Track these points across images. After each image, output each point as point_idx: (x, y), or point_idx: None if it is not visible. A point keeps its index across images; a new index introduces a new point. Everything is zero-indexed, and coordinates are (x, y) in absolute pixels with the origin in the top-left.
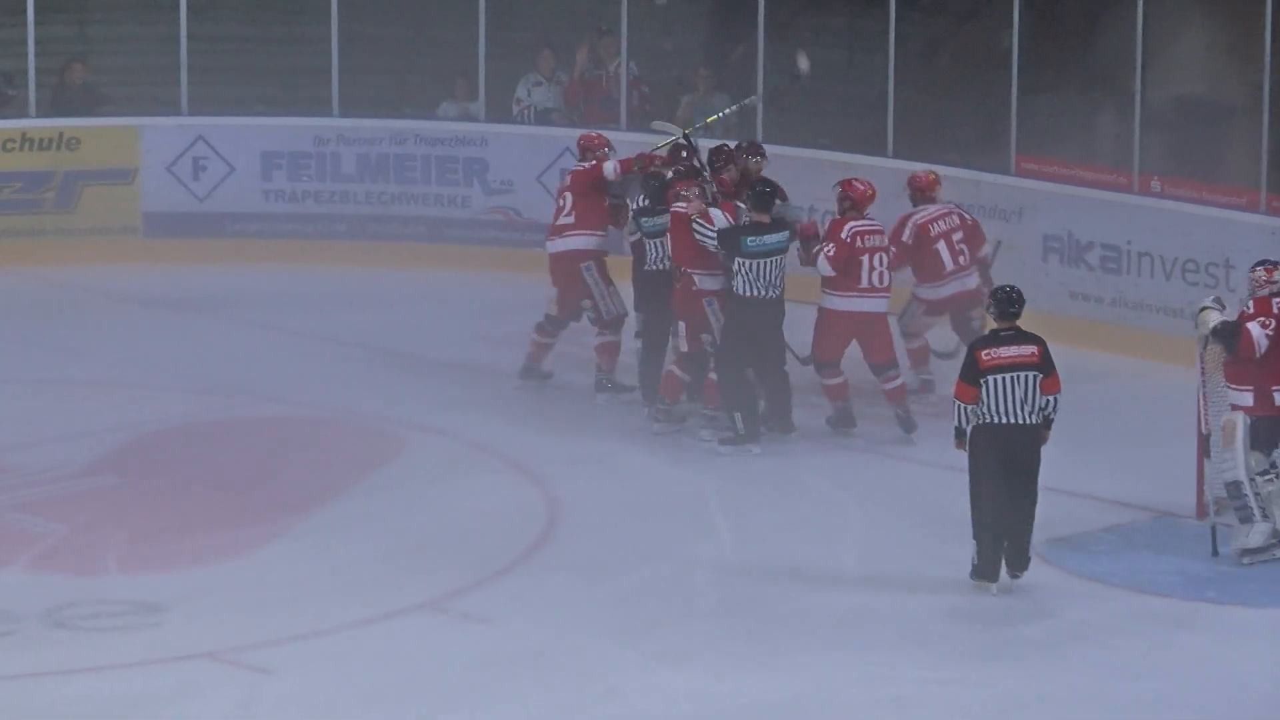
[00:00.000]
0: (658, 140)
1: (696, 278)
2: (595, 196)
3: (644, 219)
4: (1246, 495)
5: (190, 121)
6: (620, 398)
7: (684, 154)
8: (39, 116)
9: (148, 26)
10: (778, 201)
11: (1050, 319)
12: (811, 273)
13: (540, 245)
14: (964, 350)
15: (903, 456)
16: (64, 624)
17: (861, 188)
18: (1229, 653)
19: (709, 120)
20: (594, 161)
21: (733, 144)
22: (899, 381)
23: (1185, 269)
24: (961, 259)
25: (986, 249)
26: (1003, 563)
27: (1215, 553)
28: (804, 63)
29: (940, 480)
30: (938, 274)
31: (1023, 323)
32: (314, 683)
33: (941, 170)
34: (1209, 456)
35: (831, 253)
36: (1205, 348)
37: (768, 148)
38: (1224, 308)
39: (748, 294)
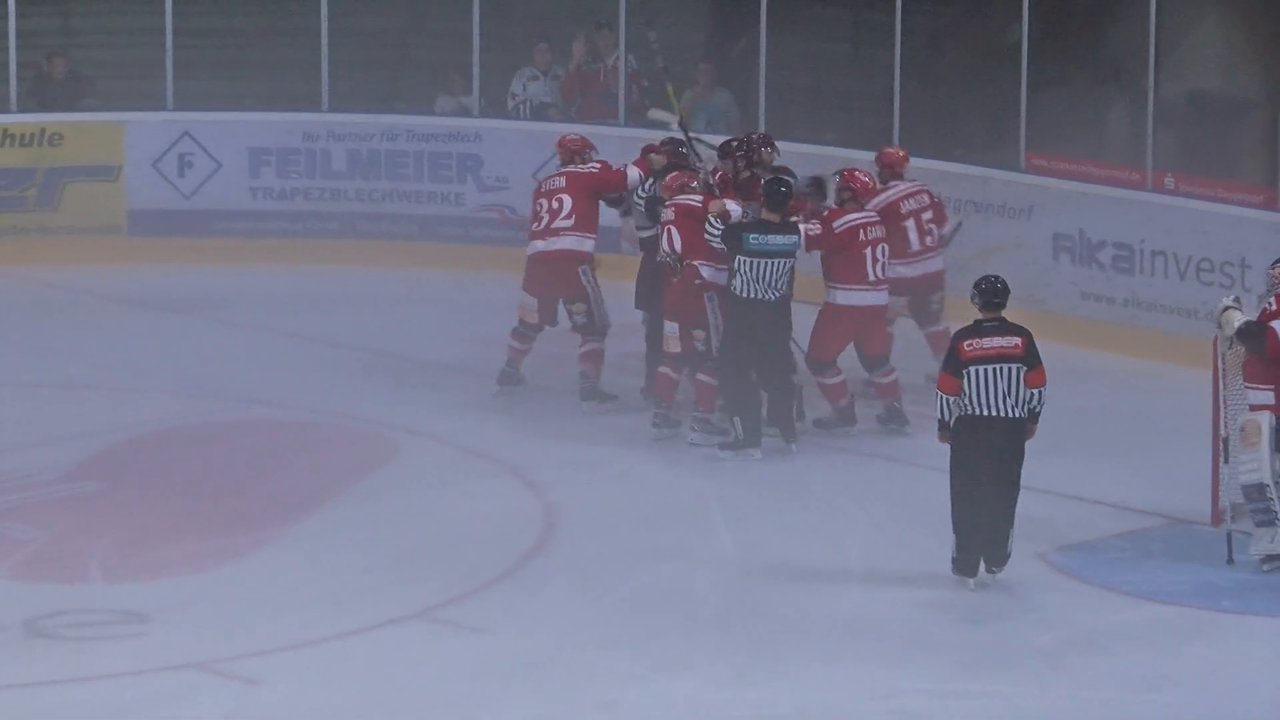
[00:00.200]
0: (666, 119)
1: (702, 269)
2: (594, 200)
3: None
4: (1272, 499)
5: (176, 117)
6: (604, 406)
7: (681, 147)
8: (20, 112)
9: (132, 19)
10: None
11: (1061, 320)
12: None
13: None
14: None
15: (907, 460)
16: (46, 633)
17: (865, 179)
18: (1245, 663)
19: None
20: (596, 166)
21: (736, 138)
22: (893, 376)
23: (1200, 268)
24: (929, 239)
25: (945, 229)
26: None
27: (1231, 560)
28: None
29: (946, 485)
30: (902, 253)
31: (1030, 322)
32: (304, 694)
33: (949, 167)
34: (1226, 460)
35: (814, 232)
36: (1229, 348)
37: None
38: (1242, 307)
39: (745, 294)
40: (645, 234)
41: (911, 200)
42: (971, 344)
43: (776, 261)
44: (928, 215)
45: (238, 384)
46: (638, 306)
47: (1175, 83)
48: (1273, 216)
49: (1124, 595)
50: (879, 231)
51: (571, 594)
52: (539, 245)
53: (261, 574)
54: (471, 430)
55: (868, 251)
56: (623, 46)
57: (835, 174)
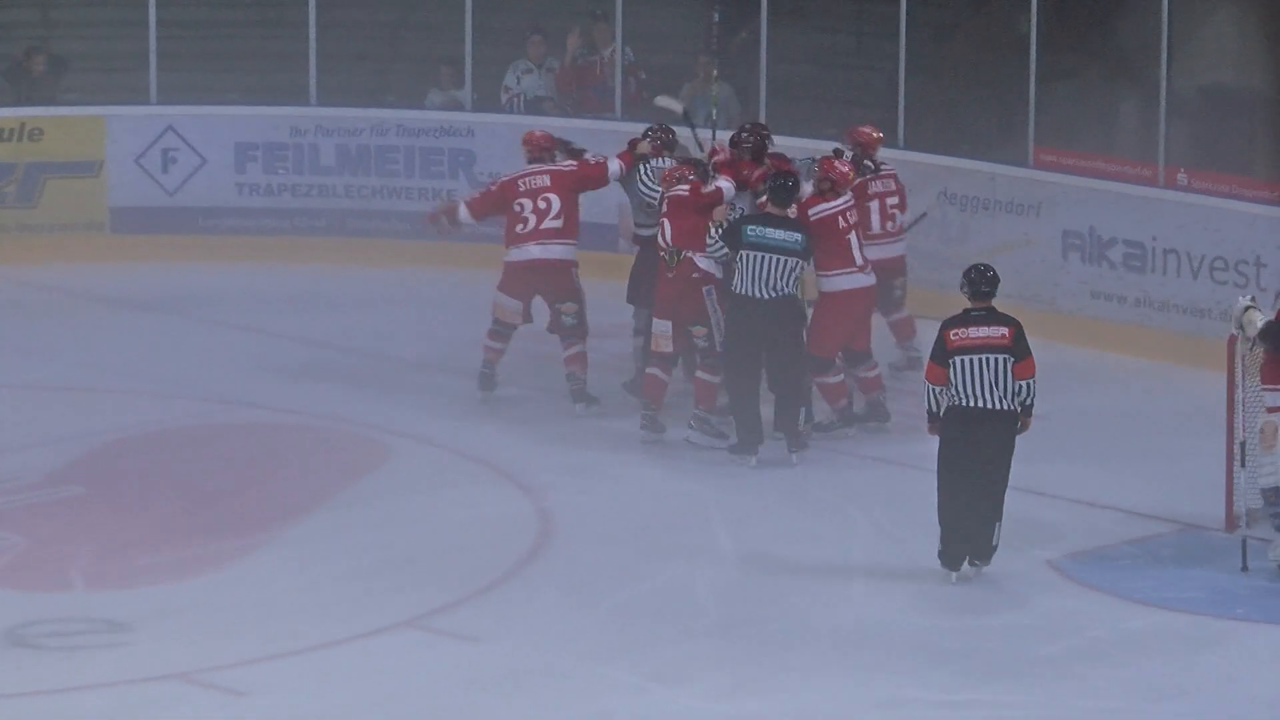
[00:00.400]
0: (672, 107)
1: (698, 261)
2: (576, 197)
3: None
4: None
5: (160, 111)
6: (593, 408)
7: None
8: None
9: (114, 10)
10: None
11: (1070, 320)
12: None
13: None
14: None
15: (910, 463)
16: (26, 643)
17: (844, 169)
18: (1259, 673)
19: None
20: (573, 163)
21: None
22: (876, 370)
23: (1213, 267)
24: (890, 225)
25: (907, 217)
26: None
27: (1245, 567)
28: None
29: None
30: (863, 232)
31: (1038, 321)
32: (291, 705)
33: (955, 163)
34: (1243, 464)
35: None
36: (1250, 349)
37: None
38: (1259, 307)
39: (743, 292)
40: (645, 232)
41: (879, 183)
42: (958, 333)
43: (777, 259)
44: (893, 200)
45: (224, 386)
46: (630, 300)
47: (1188, 76)
48: None
49: (1135, 603)
50: (856, 215)
51: (566, 601)
52: (533, 250)
53: (248, 581)
54: (464, 433)
55: (850, 236)
56: (619, 38)
57: (814, 162)
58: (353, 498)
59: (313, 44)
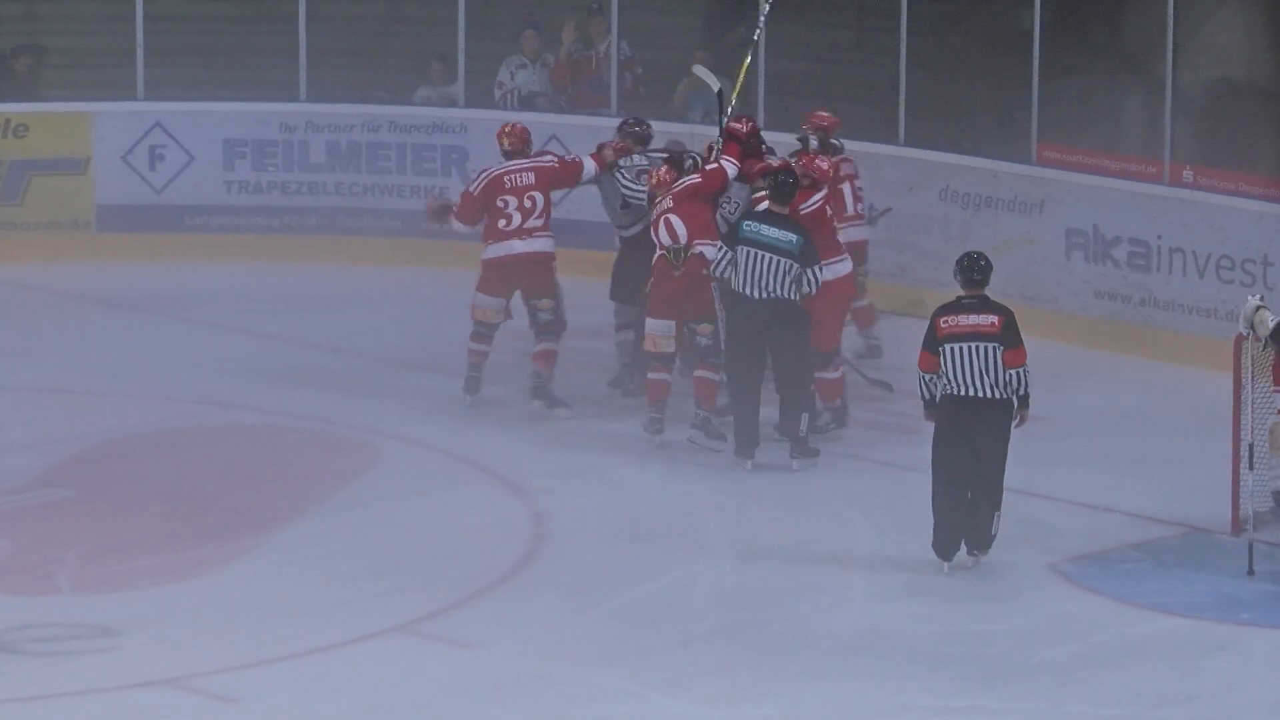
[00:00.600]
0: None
1: (706, 252)
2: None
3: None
4: None
5: (147, 107)
6: (555, 411)
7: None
8: None
9: (101, 4)
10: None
11: (1073, 319)
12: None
13: None
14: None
15: (911, 466)
16: (11, 648)
17: (824, 166)
18: (1266, 679)
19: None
20: (553, 159)
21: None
22: (840, 373)
23: (1220, 266)
24: (860, 206)
25: (872, 209)
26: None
27: (1251, 571)
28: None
29: None
30: (838, 215)
31: (1041, 321)
32: (281, 711)
33: (957, 160)
34: (1251, 467)
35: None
36: (1262, 350)
37: (770, 134)
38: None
39: (739, 290)
40: (626, 232)
41: (848, 165)
42: (948, 321)
43: (771, 258)
44: (859, 182)
45: (212, 387)
46: (612, 298)
47: (1194, 72)
48: None
49: (1139, 607)
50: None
51: (561, 607)
52: (516, 246)
53: (238, 586)
54: (457, 435)
55: (836, 225)
56: (615, 32)
57: (795, 158)
58: (343, 501)
59: (303, 39)
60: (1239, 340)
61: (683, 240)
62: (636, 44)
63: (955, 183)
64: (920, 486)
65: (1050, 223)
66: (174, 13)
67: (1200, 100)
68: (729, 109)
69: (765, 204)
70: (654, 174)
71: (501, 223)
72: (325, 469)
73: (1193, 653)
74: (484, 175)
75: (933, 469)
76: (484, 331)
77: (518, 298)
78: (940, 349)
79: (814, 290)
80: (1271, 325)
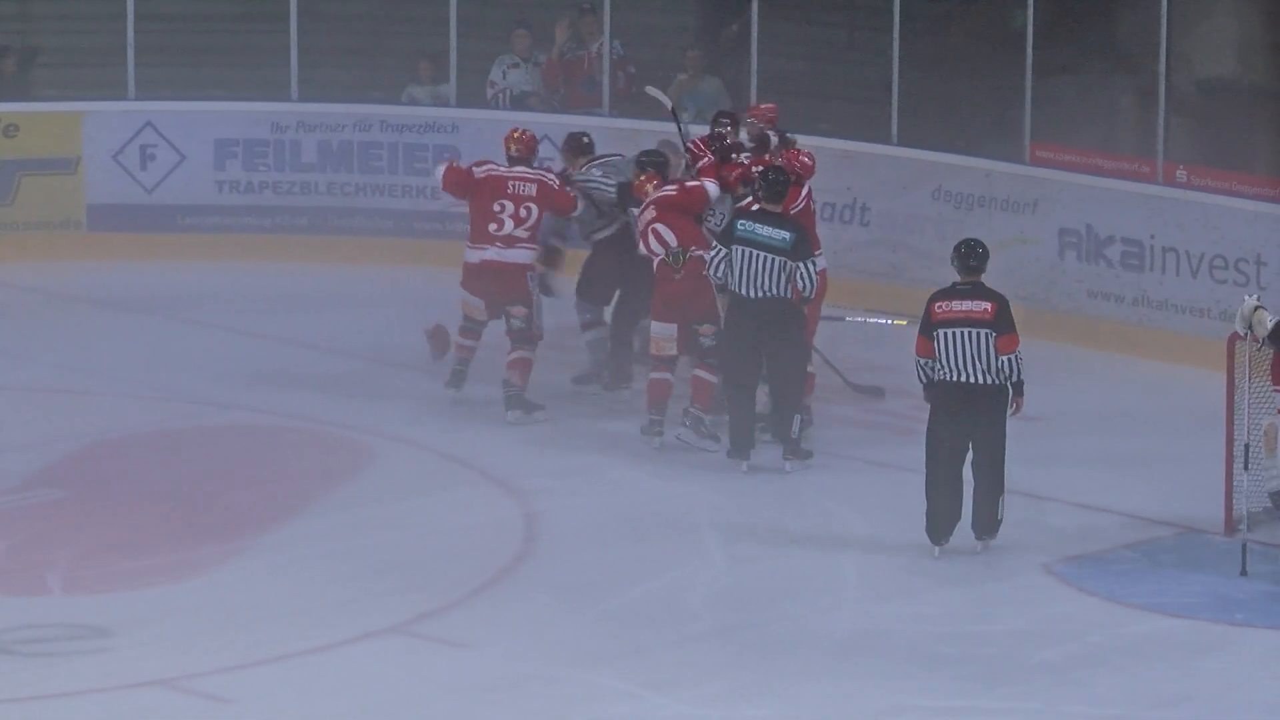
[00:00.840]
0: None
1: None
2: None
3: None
4: None
5: (138, 106)
6: (532, 415)
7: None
8: None
9: (92, 3)
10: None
11: (1067, 319)
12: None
13: None
14: None
15: (907, 467)
16: (6, 648)
17: (808, 161)
18: (1260, 679)
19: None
20: (555, 179)
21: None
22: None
23: (1213, 266)
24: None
25: None
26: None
27: (1245, 572)
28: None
29: None
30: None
31: (1034, 321)
32: (277, 711)
33: (950, 159)
34: (1247, 467)
35: None
36: (1259, 349)
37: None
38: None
39: (734, 290)
40: (599, 235)
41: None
42: (942, 306)
43: (765, 257)
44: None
45: (204, 388)
46: (579, 295)
47: (1188, 71)
48: None
49: (1134, 608)
50: None
51: (556, 608)
52: (490, 253)
53: (231, 587)
54: (451, 436)
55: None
56: (607, 31)
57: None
58: (339, 501)
59: (294, 38)
60: (1232, 340)
61: (674, 245)
62: (629, 43)
63: (948, 182)
64: (916, 487)
65: (1044, 222)
66: (165, 12)
67: (1194, 100)
68: (683, 127)
69: (757, 203)
70: (638, 178)
71: (492, 226)
72: (320, 469)
73: (1188, 653)
74: (487, 168)
75: (926, 453)
76: (471, 327)
77: None
78: (934, 334)
79: (810, 287)
80: (1270, 325)
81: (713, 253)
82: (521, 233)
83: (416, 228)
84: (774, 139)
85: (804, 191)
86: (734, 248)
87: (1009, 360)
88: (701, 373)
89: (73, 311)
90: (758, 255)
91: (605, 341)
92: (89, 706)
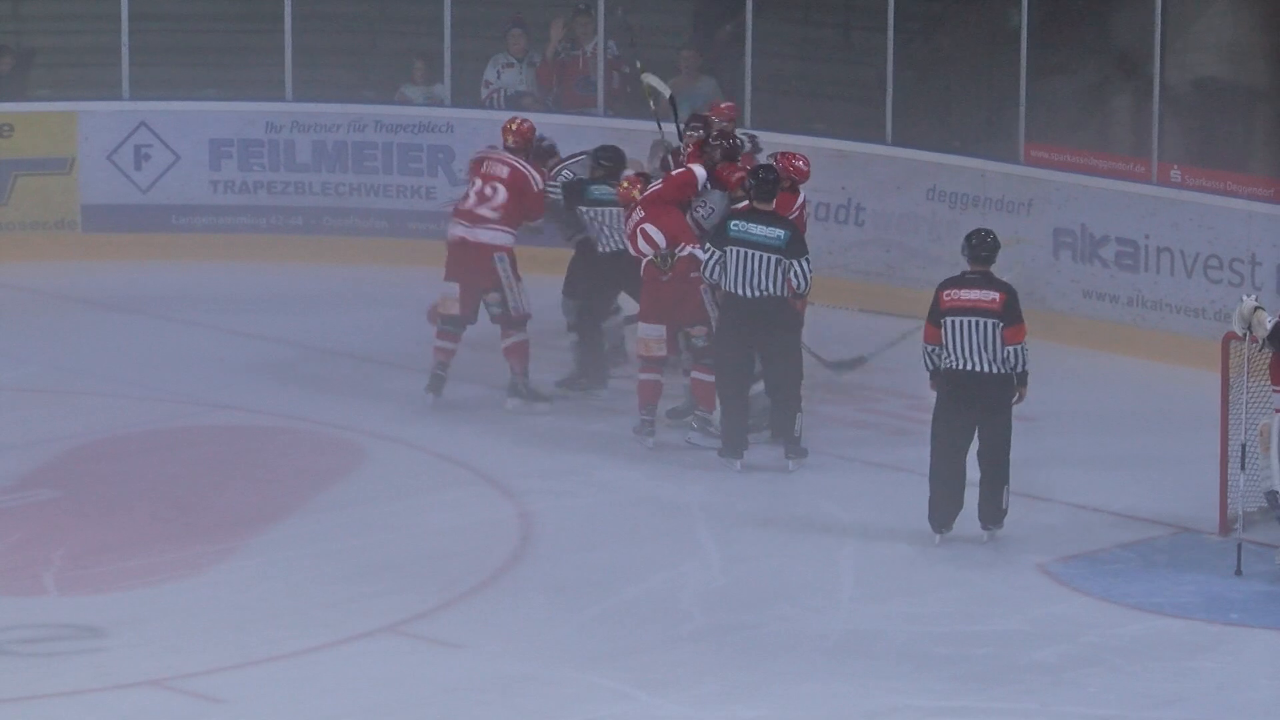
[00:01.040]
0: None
1: (697, 252)
2: (519, 201)
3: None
4: None
5: (132, 106)
6: (534, 406)
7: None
8: None
9: (86, 3)
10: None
11: (1062, 319)
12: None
13: None
14: None
15: (902, 467)
16: None
17: (803, 166)
18: (1254, 679)
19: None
20: (539, 177)
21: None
22: None
23: (1208, 265)
24: None
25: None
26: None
27: (1239, 572)
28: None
29: None
30: None
31: (1029, 321)
32: (269, 712)
33: (944, 159)
34: (1243, 467)
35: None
36: (1259, 350)
37: (757, 132)
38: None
39: (729, 290)
40: (579, 236)
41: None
42: (950, 294)
43: (760, 256)
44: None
45: (198, 388)
46: (565, 295)
47: (1182, 71)
48: None
49: (1128, 608)
50: None
51: (551, 608)
52: (463, 230)
53: (225, 587)
54: (444, 436)
55: None
56: (602, 32)
57: (771, 156)
58: (330, 501)
59: (288, 38)
60: (1226, 340)
61: (663, 246)
62: (624, 43)
63: (943, 182)
64: (910, 487)
65: (1038, 222)
66: (159, 12)
67: (1188, 99)
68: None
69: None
70: (621, 185)
71: (460, 201)
72: (313, 469)
73: (1183, 653)
74: (486, 148)
75: (931, 440)
76: (448, 328)
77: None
78: (942, 321)
79: (805, 284)
80: (1270, 325)
81: (706, 256)
82: (486, 211)
83: (411, 228)
84: (746, 142)
85: (799, 200)
86: (728, 249)
87: (1015, 351)
88: (700, 374)
89: (67, 311)
90: (752, 255)
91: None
92: (81, 706)
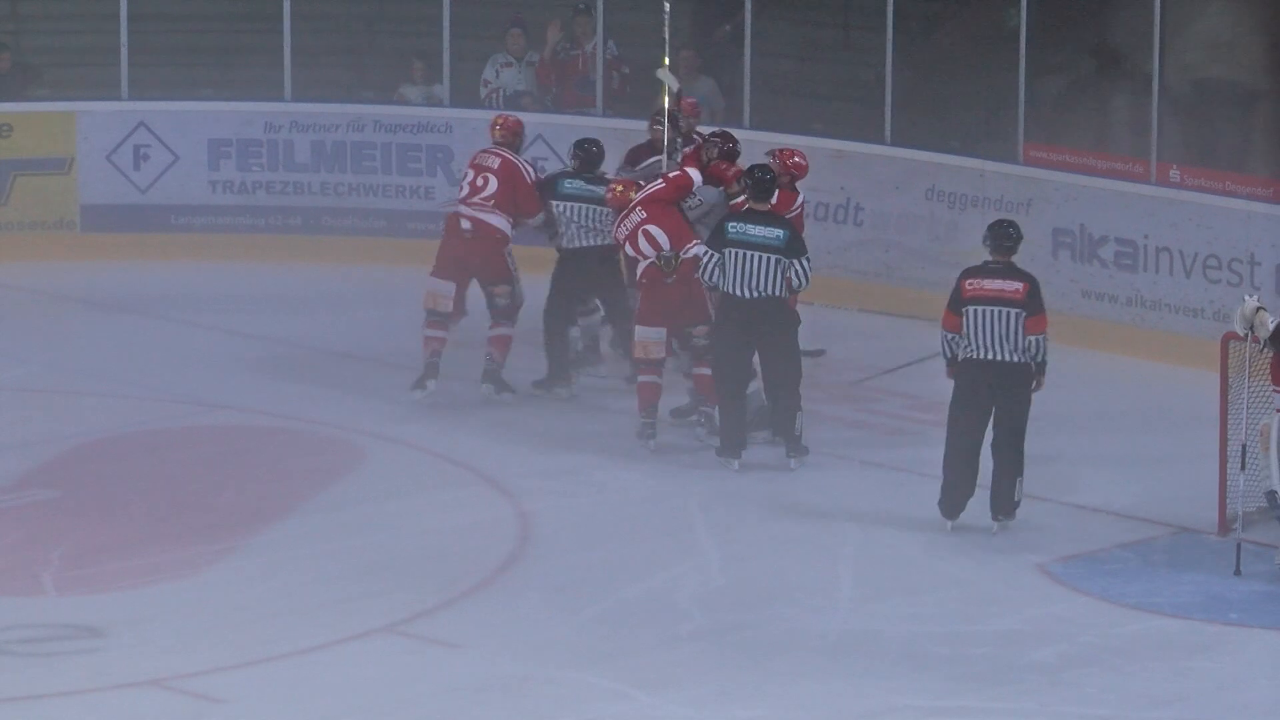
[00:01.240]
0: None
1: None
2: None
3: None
4: None
5: (131, 107)
6: (501, 396)
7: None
8: None
9: (85, 3)
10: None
11: (1061, 319)
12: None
13: None
14: None
15: (900, 467)
16: None
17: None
18: (1253, 679)
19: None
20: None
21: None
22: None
23: (1206, 265)
24: None
25: None
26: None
27: (1239, 572)
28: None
29: (940, 493)
30: None
31: None
32: (266, 712)
33: (943, 159)
34: (1243, 467)
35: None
36: (1261, 350)
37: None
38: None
39: (727, 291)
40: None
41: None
42: (973, 283)
43: (760, 256)
44: None
45: (197, 387)
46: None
47: (1181, 71)
48: None
49: (1127, 608)
50: None
51: (548, 608)
52: (465, 223)
53: (223, 586)
54: (443, 436)
55: None
56: (601, 32)
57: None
58: (329, 501)
59: (287, 38)
60: (1226, 340)
61: (667, 248)
62: (623, 43)
63: (942, 182)
64: (909, 486)
65: (1037, 222)
66: (158, 12)
67: (1187, 99)
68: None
69: (746, 203)
70: (611, 189)
71: (457, 193)
72: (311, 469)
73: (1181, 653)
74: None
75: (948, 428)
76: (436, 319)
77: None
78: (964, 310)
79: (804, 283)
80: (1272, 326)
81: (705, 258)
82: (480, 199)
83: (410, 228)
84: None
85: (798, 200)
86: (726, 250)
87: (1037, 340)
88: (702, 370)
89: (66, 311)
90: (751, 255)
91: (575, 341)
92: (80, 706)
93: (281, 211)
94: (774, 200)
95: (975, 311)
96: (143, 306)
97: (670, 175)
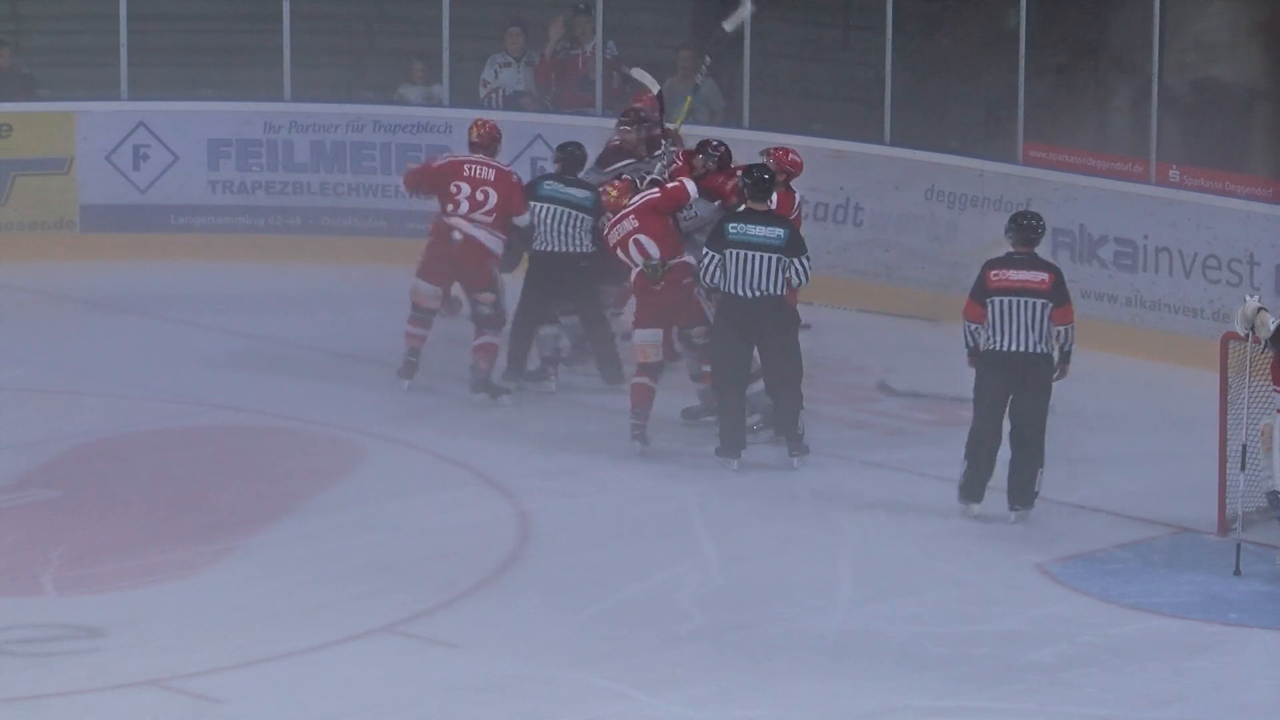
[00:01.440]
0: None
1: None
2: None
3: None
4: None
5: (130, 107)
6: (498, 399)
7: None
8: None
9: (84, 3)
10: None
11: None
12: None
13: None
14: None
15: (899, 467)
16: None
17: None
18: (1253, 679)
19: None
20: (516, 176)
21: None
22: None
23: (1206, 265)
24: None
25: None
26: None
27: (1238, 572)
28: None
29: (940, 493)
30: None
31: None
32: (266, 712)
33: (943, 159)
34: (1244, 467)
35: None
36: (1262, 351)
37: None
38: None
39: (727, 291)
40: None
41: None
42: (998, 274)
43: (760, 256)
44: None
45: (196, 387)
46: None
47: (1180, 71)
48: None
49: (1126, 608)
50: None
51: (548, 608)
52: (459, 234)
53: (223, 587)
54: (442, 436)
55: None
56: (600, 31)
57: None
58: (329, 501)
59: (287, 38)
60: (1226, 340)
61: (655, 257)
62: (623, 43)
63: (941, 182)
64: (909, 486)
65: None
66: (158, 12)
67: (1186, 100)
68: (671, 112)
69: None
70: (606, 193)
71: (449, 206)
72: (310, 469)
73: (1181, 653)
74: (448, 156)
75: (974, 416)
76: (420, 316)
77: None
78: (988, 301)
79: (804, 281)
80: (1273, 327)
81: (705, 259)
82: (482, 216)
83: (409, 228)
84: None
85: (796, 200)
86: (727, 251)
87: (1065, 331)
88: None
89: (65, 311)
90: (752, 255)
91: (557, 338)
92: (79, 706)
93: (281, 211)
94: (774, 201)
95: (1001, 302)
96: (142, 306)
97: (667, 186)
